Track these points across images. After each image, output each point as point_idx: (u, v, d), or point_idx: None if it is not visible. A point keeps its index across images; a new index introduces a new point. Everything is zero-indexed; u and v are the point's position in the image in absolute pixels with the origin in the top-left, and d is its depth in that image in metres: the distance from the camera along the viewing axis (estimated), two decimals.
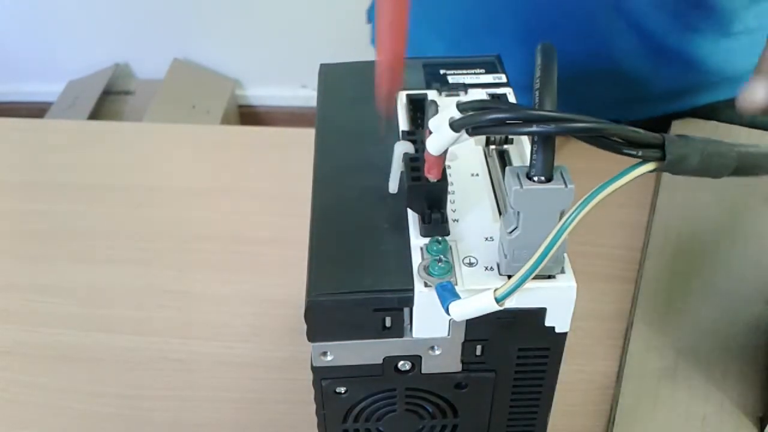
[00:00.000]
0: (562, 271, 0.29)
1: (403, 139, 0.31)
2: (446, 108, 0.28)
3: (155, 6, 1.77)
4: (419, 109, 0.37)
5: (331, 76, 0.41)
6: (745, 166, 0.28)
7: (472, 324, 0.30)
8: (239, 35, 1.81)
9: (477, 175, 0.34)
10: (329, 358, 0.31)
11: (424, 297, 0.28)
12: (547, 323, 0.30)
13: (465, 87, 0.38)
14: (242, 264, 0.57)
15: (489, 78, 0.39)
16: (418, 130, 0.33)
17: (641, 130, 0.26)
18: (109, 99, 1.82)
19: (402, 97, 0.38)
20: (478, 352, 0.31)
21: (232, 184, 0.64)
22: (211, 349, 0.51)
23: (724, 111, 0.65)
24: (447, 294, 0.28)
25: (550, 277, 0.29)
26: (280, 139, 0.70)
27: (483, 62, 0.40)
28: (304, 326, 0.29)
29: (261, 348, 0.51)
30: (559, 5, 0.61)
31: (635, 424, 0.44)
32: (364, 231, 0.31)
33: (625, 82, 0.65)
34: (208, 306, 0.54)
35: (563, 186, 0.26)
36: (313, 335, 0.30)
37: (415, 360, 0.31)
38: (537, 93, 0.27)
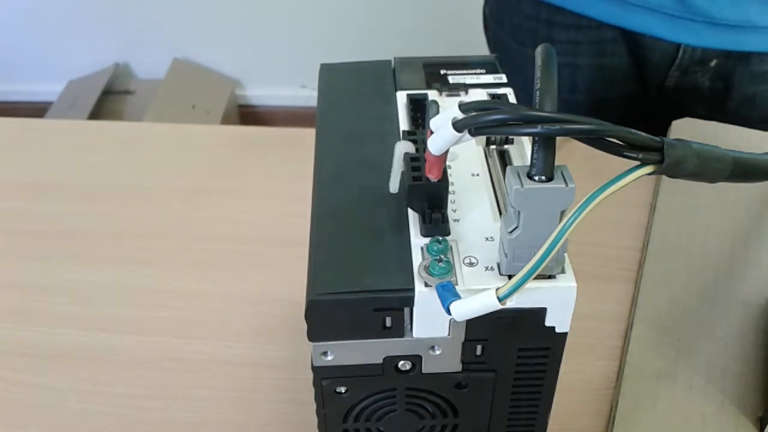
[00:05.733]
0: (563, 271, 0.29)
1: (404, 138, 0.31)
2: (448, 108, 0.28)
3: (155, 6, 1.77)
4: (419, 109, 0.37)
5: (331, 76, 0.41)
6: (741, 171, 0.28)
7: (472, 324, 0.30)
8: (239, 35, 1.81)
9: (477, 174, 0.34)
10: (329, 357, 0.31)
11: (425, 297, 0.28)
12: (548, 323, 0.30)
13: (465, 87, 0.38)
14: (242, 264, 0.57)
15: (489, 78, 0.39)
16: (418, 130, 0.33)
17: (641, 133, 0.26)
18: (109, 99, 1.82)
19: (402, 97, 0.38)
20: (478, 351, 0.31)
21: (232, 184, 0.64)
22: (211, 349, 0.51)
23: None
24: (447, 294, 0.28)
25: (550, 277, 0.29)
26: (280, 139, 0.70)
27: (483, 62, 0.40)
28: (305, 326, 0.29)
29: (261, 348, 0.51)
30: None
31: (635, 424, 0.44)
32: (365, 231, 0.31)
33: None
34: (208, 306, 0.54)
35: (564, 185, 0.26)
36: (313, 335, 0.30)
37: (416, 360, 0.31)
38: (537, 93, 0.27)
